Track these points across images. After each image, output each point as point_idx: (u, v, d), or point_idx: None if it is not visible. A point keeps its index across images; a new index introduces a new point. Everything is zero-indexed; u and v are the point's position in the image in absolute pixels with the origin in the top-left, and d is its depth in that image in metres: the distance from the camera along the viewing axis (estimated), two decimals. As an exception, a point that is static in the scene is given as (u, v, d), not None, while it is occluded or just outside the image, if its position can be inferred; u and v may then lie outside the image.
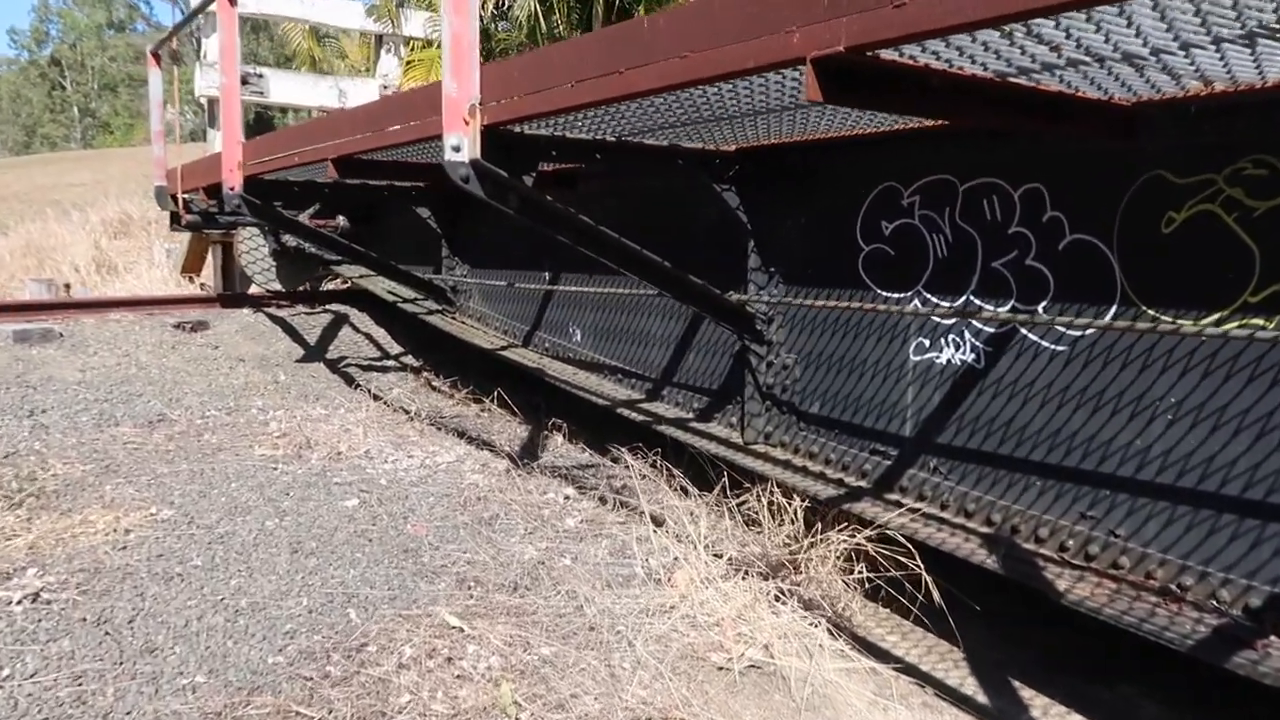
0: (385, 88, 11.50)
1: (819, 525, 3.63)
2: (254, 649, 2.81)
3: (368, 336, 7.75)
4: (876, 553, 3.33)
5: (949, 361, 3.44)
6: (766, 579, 3.40)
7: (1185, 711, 2.95)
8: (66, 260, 13.82)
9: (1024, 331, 3.18)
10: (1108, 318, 2.91)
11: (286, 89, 11.37)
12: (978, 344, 3.33)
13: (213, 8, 5.80)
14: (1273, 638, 2.46)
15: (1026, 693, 3.05)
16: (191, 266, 11.42)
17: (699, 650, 2.98)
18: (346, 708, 2.49)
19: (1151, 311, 2.82)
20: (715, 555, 3.51)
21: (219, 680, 2.61)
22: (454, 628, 2.99)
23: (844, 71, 2.14)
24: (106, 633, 2.85)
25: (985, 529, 3.23)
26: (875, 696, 2.87)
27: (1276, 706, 2.64)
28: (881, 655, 3.12)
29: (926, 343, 3.52)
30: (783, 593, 3.31)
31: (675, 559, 3.52)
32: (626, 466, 4.30)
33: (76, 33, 78.66)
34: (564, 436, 5.42)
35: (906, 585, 3.28)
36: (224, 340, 7.10)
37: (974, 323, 3.32)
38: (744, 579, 3.39)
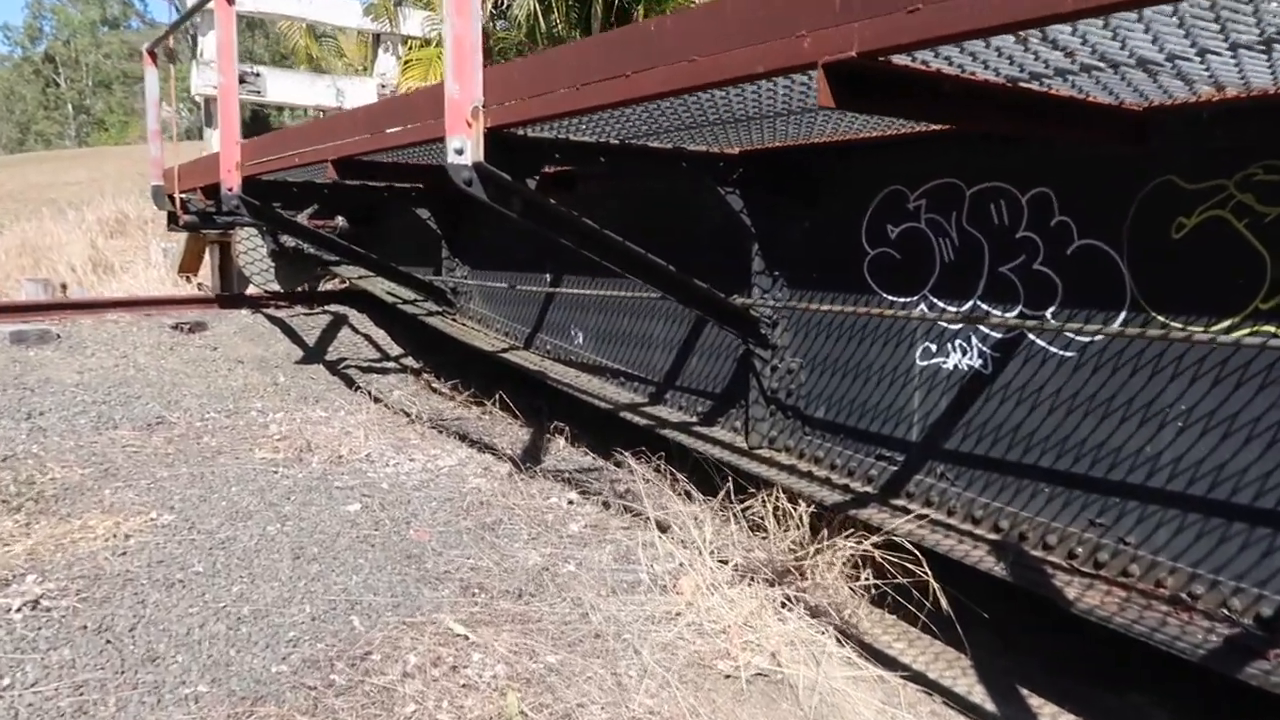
0: (383, 87, 11.46)
1: (825, 531, 3.60)
2: (257, 657, 2.78)
3: (367, 338, 7.71)
4: (883, 559, 3.31)
5: (956, 366, 3.42)
6: (772, 585, 3.38)
7: (1195, 720, 2.94)
8: (63, 260, 13.76)
9: (1032, 336, 3.16)
10: (1117, 323, 2.89)
11: (284, 88, 11.33)
12: (985, 349, 3.31)
13: (210, 5, 5.76)
14: (1285, 647, 2.44)
15: (1035, 700, 3.03)
16: (189, 266, 11.37)
17: (706, 658, 2.96)
18: (351, 718, 2.47)
19: (1161, 317, 2.80)
20: (721, 561, 3.48)
21: (222, 690, 2.59)
22: (459, 635, 2.96)
23: (856, 76, 2.11)
24: (108, 641, 2.83)
25: (993, 536, 3.21)
26: (883, 705, 2.85)
27: (1288, 716, 2.62)
28: (889, 663, 3.09)
29: (933, 347, 3.50)
30: (789, 599, 3.29)
31: (680, 565, 3.50)
32: (630, 471, 4.28)
33: (71, 29, 78.38)
34: (566, 440, 5.40)
35: (913, 592, 3.27)
36: (223, 341, 7.06)
37: (981, 327, 3.30)
38: (750, 585, 3.36)
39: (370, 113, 4.76)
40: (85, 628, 2.90)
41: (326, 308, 8.13)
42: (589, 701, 2.63)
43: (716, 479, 4.04)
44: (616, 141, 3.83)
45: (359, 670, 2.72)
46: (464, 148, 3.21)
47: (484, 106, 3.20)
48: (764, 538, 3.80)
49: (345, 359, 7.23)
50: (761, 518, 3.84)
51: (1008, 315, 3.22)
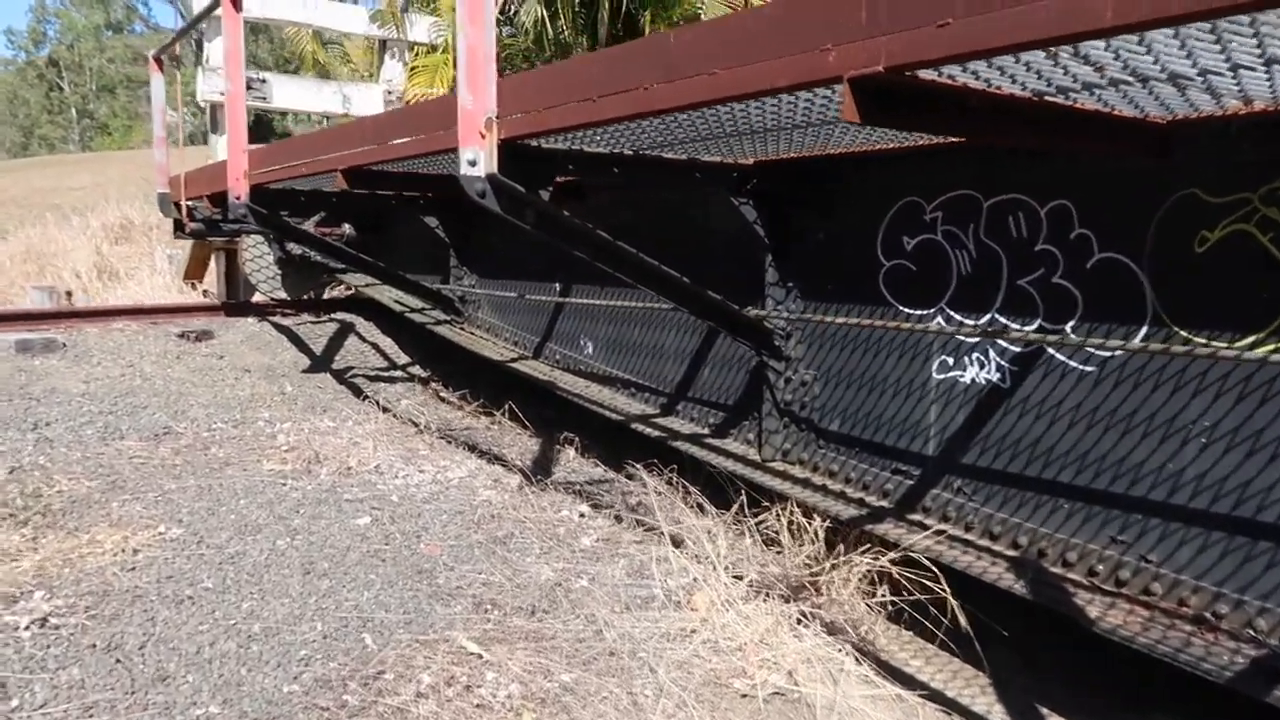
0: (389, 93, 11.44)
1: (840, 546, 3.56)
2: (268, 677, 2.74)
3: (374, 346, 7.68)
4: (900, 575, 3.27)
5: (973, 380, 3.38)
6: (788, 601, 3.35)
7: (1220, 741, 2.90)
8: (68, 266, 13.74)
9: (1051, 350, 3.12)
10: (1138, 338, 2.85)
11: (289, 94, 11.31)
12: (1003, 363, 3.28)
13: (217, 12, 5.74)
14: (1315, 670, 2.40)
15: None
16: (194, 273, 11.35)
17: (722, 676, 2.92)
18: (366, 740, 2.44)
19: (1183, 332, 2.76)
20: (735, 577, 3.45)
21: (234, 710, 2.55)
22: (472, 654, 2.93)
23: (882, 91, 2.08)
24: (117, 660, 2.79)
25: (1011, 552, 3.17)
26: (903, 725, 2.81)
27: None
28: (907, 681, 3.05)
29: (950, 360, 3.46)
30: (805, 616, 3.25)
31: (694, 580, 3.47)
32: (641, 483, 4.24)
33: (74, 34, 78.48)
34: (576, 451, 5.36)
35: (930, 608, 3.23)
36: (229, 350, 7.03)
37: (999, 341, 3.27)
38: (765, 601, 3.33)
39: (381, 123, 4.74)
40: (94, 646, 2.87)
41: (333, 315, 8.11)
42: (606, 722, 2.59)
43: (730, 492, 4.00)
44: (630, 152, 3.80)
45: (372, 690, 2.68)
46: (477, 159, 3.18)
47: (498, 118, 3.16)
48: (778, 552, 3.76)
49: (352, 367, 7.20)
50: (776, 532, 3.80)
51: (1026, 329, 3.18)
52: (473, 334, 6.78)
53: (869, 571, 3.41)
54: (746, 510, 3.91)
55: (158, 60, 8.20)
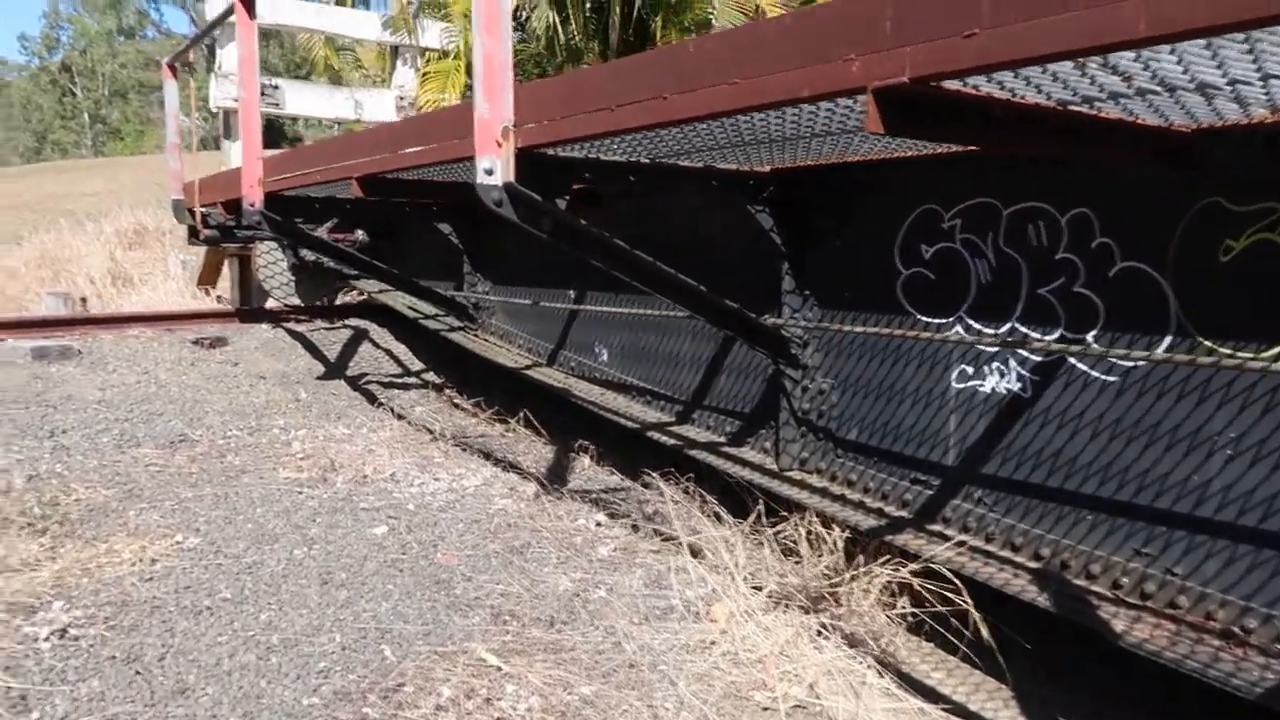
0: (402, 99, 11.45)
1: (860, 557, 3.54)
2: (288, 689, 2.73)
3: (388, 353, 7.69)
4: (921, 586, 3.24)
5: (993, 390, 3.36)
6: (807, 613, 3.32)
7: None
8: (82, 272, 13.80)
9: (1073, 360, 3.09)
10: (1161, 348, 2.82)
11: (302, 100, 11.32)
12: (1024, 372, 3.25)
13: (231, 19, 5.75)
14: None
15: (1079, 734, 2.96)
16: (207, 279, 11.39)
17: (742, 689, 2.90)
18: (386, 755, 2.42)
19: (1208, 342, 2.73)
20: (754, 588, 3.42)
21: (254, 724, 2.54)
22: (491, 666, 2.91)
23: (906, 102, 2.07)
24: (137, 672, 2.79)
25: (1034, 564, 3.14)
26: (925, 739, 2.78)
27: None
28: (929, 694, 3.03)
29: (970, 370, 3.44)
30: (825, 627, 3.23)
31: (713, 591, 3.44)
32: (658, 491, 4.22)
33: (87, 39, 78.99)
34: (591, 458, 5.35)
35: (952, 620, 3.20)
36: (243, 357, 7.05)
37: (1020, 350, 3.24)
38: (784, 612, 3.31)
39: (397, 131, 4.75)
40: (114, 658, 2.86)
41: (347, 322, 8.11)
42: (627, 736, 2.58)
43: (747, 501, 3.98)
44: (647, 161, 3.79)
45: (391, 703, 2.67)
46: (494, 168, 3.17)
47: (514, 126, 3.16)
48: (797, 562, 3.74)
49: (366, 374, 7.21)
50: (794, 542, 3.77)
51: (1047, 338, 3.16)
52: (487, 341, 6.78)
53: (889, 583, 3.38)
54: (764, 519, 3.89)
55: (171, 67, 8.22)
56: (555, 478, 4.95)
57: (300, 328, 7.80)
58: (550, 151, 3.45)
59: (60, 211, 18.73)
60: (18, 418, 5.25)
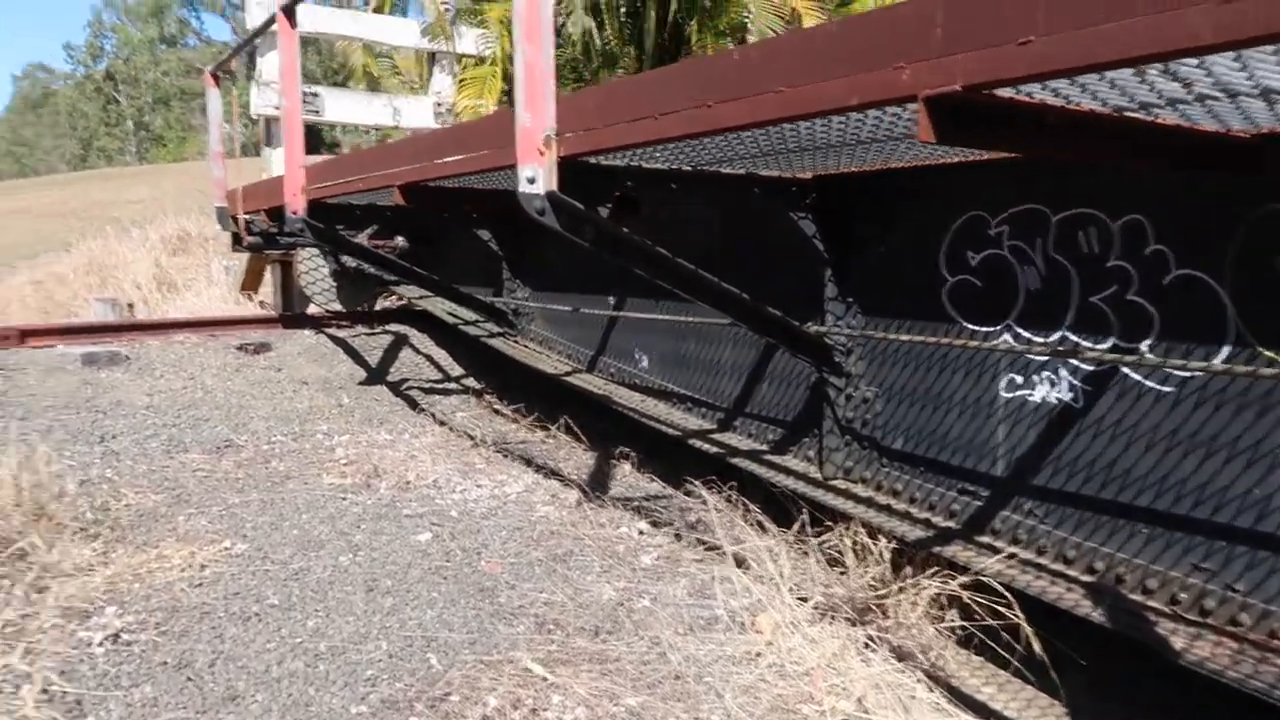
0: (439, 105, 11.53)
1: (908, 568, 3.49)
2: (336, 697, 2.75)
3: (428, 358, 7.74)
4: (970, 599, 3.19)
5: (1043, 399, 3.30)
6: (854, 624, 3.29)
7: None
8: (128, 278, 14.05)
9: (1127, 370, 3.03)
10: (1220, 358, 2.76)
11: (341, 107, 11.44)
12: (1075, 382, 3.19)
13: (273, 28, 5.81)
14: None
15: (1134, 751, 2.90)
16: (250, 285, 11.55)
17: (789, 702, 2.87)
18: (434, 766, 2.43)
19: (1269, 352, 2.66)
20: (800, 598, 3.39)
21: (303, 732, 2.57)
22: (537, 676, 2.91)
23: (957, 110, 2.03)
24: (188, 678, 2.82)
25: (1087, 577, 3.08)
26: (976, 755, 2.74)
27: None
28: (980, 710, 2.98)
29: (1019, 379, 3.38)
30: (872, 640, 3.19)
31: (758, 601, 3.42)
32: (700, 500, 4.20)
33: (130, 48, 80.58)
34: (632, 465, 5.34)
35: (1002, 634, 3.15)
36: (286, 362, 7.13)
37: (1071, 359, 3.18)
38: (831, 624, 3.27)
39: (439, 139, 4.78)
40: (165, 663, 2.90)
41: (387, 327, 8.18)
42: (673, 750, 2.56)
43: (791, 510, 3.95)
44: (689, 168, 3.78)
45: (439, 712, 2.68)
46: (536, 176, 3.18)
47: (557, 135, 3.16)
48: (842, 573, 3.70)
49: (407, 380, 7.26)
50: (839, 552, 3.73)
51: (1099, 347, 3.10)
52: (526, 347, 6.79)
53: (938, 595, 3.33)
54: (808, 529, 3.86)
55: (214, 76, 8.33)
56: (597, 485, 4.95)
57: (341, 333, 7.87)
58: (592, 160, 3.44)
59: (107, 219, 19.09)
60: (69, 423, 5.35)
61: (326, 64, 41.86)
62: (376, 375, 7.22)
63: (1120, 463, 3.03)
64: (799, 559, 3.76)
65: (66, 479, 4.32)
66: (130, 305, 11.59)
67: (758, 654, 3.11)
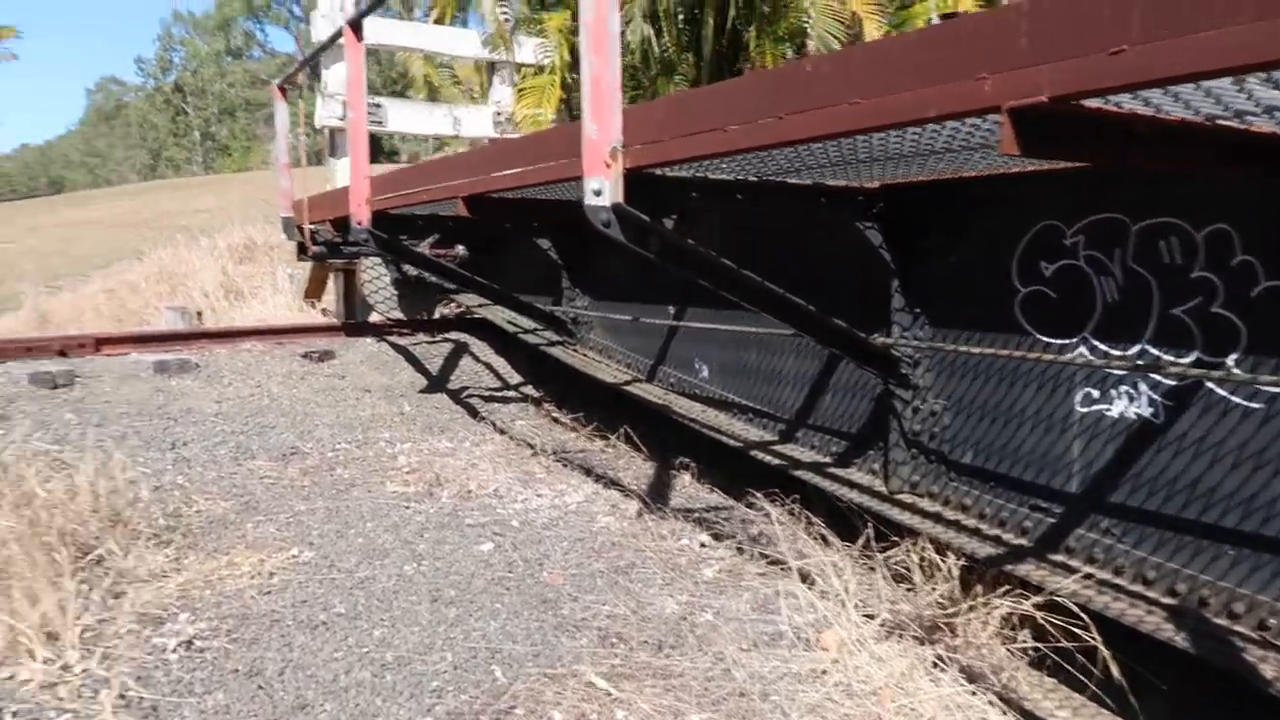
0: (499, 114, 11.64)
1: (978, 586, 3.41)
2: (402, 708, 2.77)
3: (488, 366, 7.79)
4: (1044, 619, 3.10)
5: (1122, 414, 3.20)
6: (922, 643, 3.21)
7: None
8: (197, 286, 14.41)
9: (1211, 385, 2.92)
10: (1312, 373, 2.65)
11: (403, 118, 11.61)
12: (1156, 397, 3.09)
13: (340, 41, 5.91)
14: None
15: (1220, 783, 2.79)
16: (313, 292, 11.76)
17: (857, 723, 2.82)
18: (502, 780, 2.42)
19: (1366, 367, 2.55)
20: (866, 615, 3.33)
21: (372, 743, 2.58)
22: (601, 690, 2.89)
23: (1043, 121, 1.98)
24: (259, 686, 2.86)
25: (1168, 599, 2.97)
26: (1053, 783, 2.66)
27: None
28: (1056, 735, 2.90)
29: (1095, 393, 3.28)
30: (941, 659, 3.12)
31: (823, 617, 3.36)
32: (762, 512, 4.15)
33: (198, 60, 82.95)
34: (692, 476, 5.31)
35: (1078, 656, 3.05)
36: (350, 370, 7.23)
37: (1152, 373, 3.08)
38: (898, 642, 3.20)
39: (501, 150, 4.81)
40: (237, 671, 2.95)
41: (447, 335, 8.25)
42: (741, 770, 2.52)
43: (858, 524, 3.89)
44: (754, 179, 3.75)
45: (504, 726, 2.67)
46: (602, 189, 3.17)
47: (623, 147, 3.15)
48: (909, 590, 3.63)
49: (467, 388, 7.31)
50: (906, 568, 3.66)
51: (1182, 361, 2.99)
52: (585, 356, 6.80)
53: (1009, 614, 3.25)
54: (873, 544, 3.79)
55: (282, 89, 8.50)
56: (657, 496, 4.93)
57: (403, 341, 7.96)
58: (657, 171, 3.43)
59: (176, 228, 19.61)
60: (143, 430, 5.48)
61: (386, 73, 42.52)
62: (437, 383, 7.28)
63: (1205, 481, 2.92)
64: (864, 574, 3.69)
65: (140, 485, 4.42)
66: (199, 313, 11.88)
67: (823, 672, 3.06)
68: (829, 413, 4.57)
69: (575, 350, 6.92)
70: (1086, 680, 3.01)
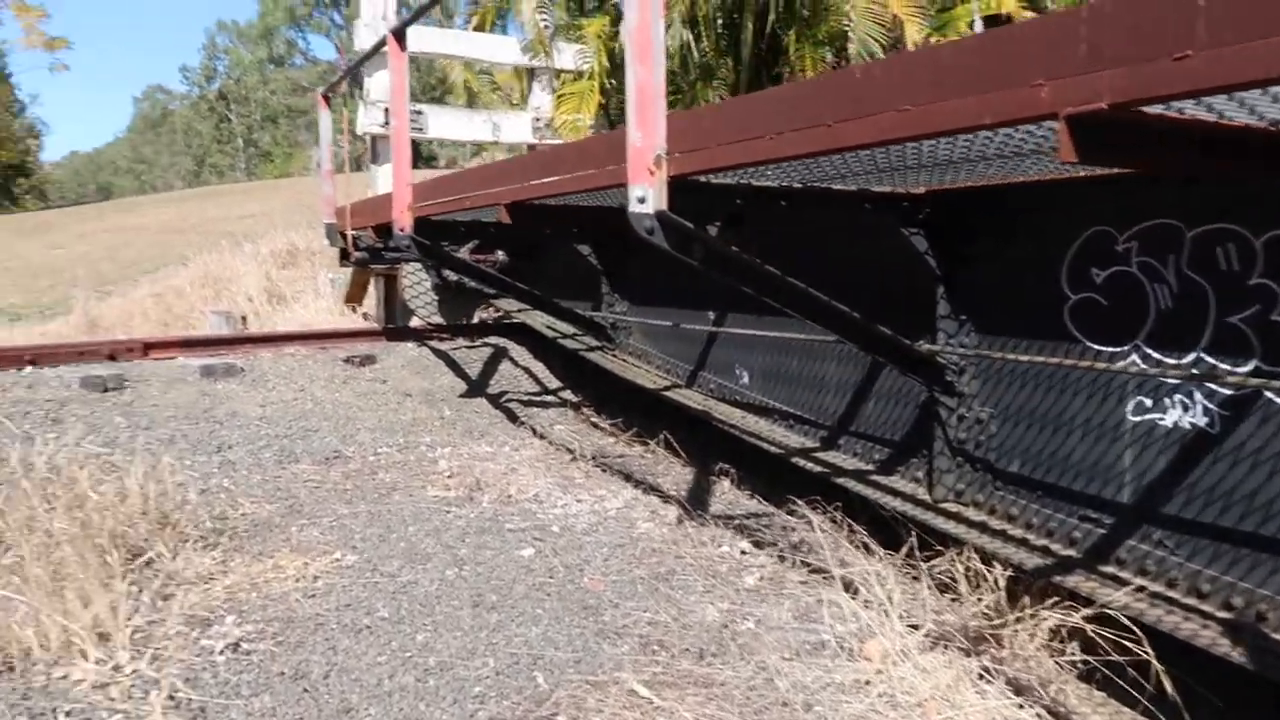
0: (538, 120, 11.69)
1: (1025, 598, 3.36)
2: (445, 713, 2.78)
3: (527, 371, 7.82)
4: (1094, 632, 3.05)
5: (1176, 424, 3.13)
6: (968, 655, 3.16)
7: None
8: (240, 290, 14.63)
9: (1270, 395, 2.85)
10: (1377, 383, 2.58)
11: (444, 124, 11.69)
12: (1211, 406, 3.02)
13: (383, 50, 5.97)
14: None
15: (1279, 803, 2.72)
16: (354, 297, 11.88)
17: (903, 735, 2.78)
18: (546, 788, 2.42)
19: None
20: (910, 626, 3.29)
21: (416, 748, 2.59)
22: (643, 698, 2.88)
23: (1101, 128, 1.94)
24: (304, 689, 2.88)
25: (1223, 613, 2.91)
26: (1106, 801, 2.60)
27: None
28: (1107, 751, 2.84)
29: (1148, 402, 3.22)
30: (987, 671, 3.06)
31: (866, 626, 3.32)
32: (804, 519, 4.12)
33: (241, 68, 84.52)
34: (732, 483, 5.29)
35: (1129, 670, 2.99)
36: (391, 374, 7.29)
37: (1208, 383, 3.01)
38: (943, 653, 3.16)
39: (543, 158, 4.83)
40: (283, 674, 2.97)
41: (486, 340, 8.30)
42: (786, 781, 2.50)
43: (901, 533, 3.84)
44: (799, 185, 3.73)
45: (547, 733, 2.67)
46: (646, 196, 3.17)
47: (667, 155, 3.15)
48: (954, 600, 3.58)
49: (506, 392, 7.35)
50: (951, 578, 3.61)
51: (1240, 370, 2.93)
52: (625, 361, 6.81)
53: (1058, 626, 3.19)
54: (917, 553, 3.74)
55: (325, 98, 8.61)
56: (697, 502, 4.91)
57: (443, 346, 8.01)
58: (701, 178, 3.42)
59: (220, 233, 19.94)
60: (189, 433, 5.56)
61: (425, 79, 42.94)
62: (477, 387, 7.32)
63: (1263, 493, 2.85)
64: (908, 584, 3.65)
65: (188, 488, 4.48)
66: (243, 317, 12.06)
67: (867, 682, 3.02)
68: (871, 420, 4.53)
69: (614, 355, 6.93)
70: (1138, 695, 2.95)
